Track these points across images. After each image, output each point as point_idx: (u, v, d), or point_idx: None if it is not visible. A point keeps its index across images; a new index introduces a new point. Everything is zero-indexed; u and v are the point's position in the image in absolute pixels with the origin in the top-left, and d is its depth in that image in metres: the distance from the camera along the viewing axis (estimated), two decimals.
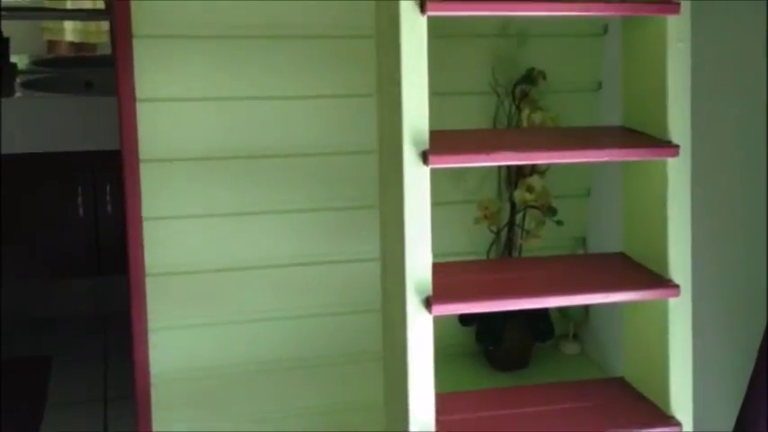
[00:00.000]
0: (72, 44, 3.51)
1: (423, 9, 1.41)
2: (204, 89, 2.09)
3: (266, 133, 2.15)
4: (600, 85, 2.34)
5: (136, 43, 2.01)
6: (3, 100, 2.80)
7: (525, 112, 2.15)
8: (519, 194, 2.17)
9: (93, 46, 3.53)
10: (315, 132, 2.19)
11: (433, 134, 1.46)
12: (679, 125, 1.51)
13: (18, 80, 3.07)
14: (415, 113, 1.44)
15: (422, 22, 1.42)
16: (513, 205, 2.23)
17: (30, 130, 2.83)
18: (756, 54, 1.68)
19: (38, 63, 3.35)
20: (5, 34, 3.16)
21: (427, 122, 1.45)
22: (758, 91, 1.68)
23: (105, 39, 3.43)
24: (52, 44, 3.50)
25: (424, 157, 1.44)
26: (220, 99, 2.11)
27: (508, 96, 2.22)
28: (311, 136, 2.18)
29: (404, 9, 1.41)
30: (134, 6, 2.00)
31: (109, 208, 2.90)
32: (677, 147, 1.50)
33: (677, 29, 1.48)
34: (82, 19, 3.42)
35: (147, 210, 2.11)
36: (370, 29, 2.05)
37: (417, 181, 1.44)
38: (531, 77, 2.16)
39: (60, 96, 2.96)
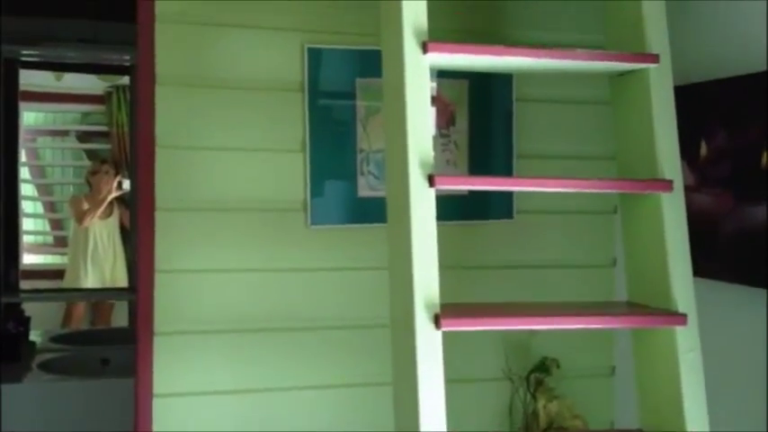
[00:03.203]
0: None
1: (437, 325, 1.46)
2: (220, 382, 2.11)
3: (282, 424, 2.15)
4: (613, 371, 2.36)
5: (156, 340, 2.06)
6: (16, 386, 2.81)
7: (541, 402, 2.14)
8: None
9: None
10: (327, 422, 2.18)
11: None
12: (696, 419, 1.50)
13: (36, 360, 3.09)
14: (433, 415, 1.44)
15: (437, 336, 1.47)
16: None
17: (42, 415, 2.81)
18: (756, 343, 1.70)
19: (55, 339, 3.38)
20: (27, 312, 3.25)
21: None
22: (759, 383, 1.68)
23: (123, 283, 3.49)
24: (70, 305, 3.56)
25: None
26: (236, 392, 2.13)
27: (522, 383, 2.23)
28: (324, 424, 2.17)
29: (419, 327, 1.45)
30: (157, 300, 2.07)
31: None
32: None
33: (687, 340, 1.51)
34: (105, 299, 3.50)
35: None
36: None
37: None
38: (544, 366, 2.18)
39: (74, 380, 2.96)
